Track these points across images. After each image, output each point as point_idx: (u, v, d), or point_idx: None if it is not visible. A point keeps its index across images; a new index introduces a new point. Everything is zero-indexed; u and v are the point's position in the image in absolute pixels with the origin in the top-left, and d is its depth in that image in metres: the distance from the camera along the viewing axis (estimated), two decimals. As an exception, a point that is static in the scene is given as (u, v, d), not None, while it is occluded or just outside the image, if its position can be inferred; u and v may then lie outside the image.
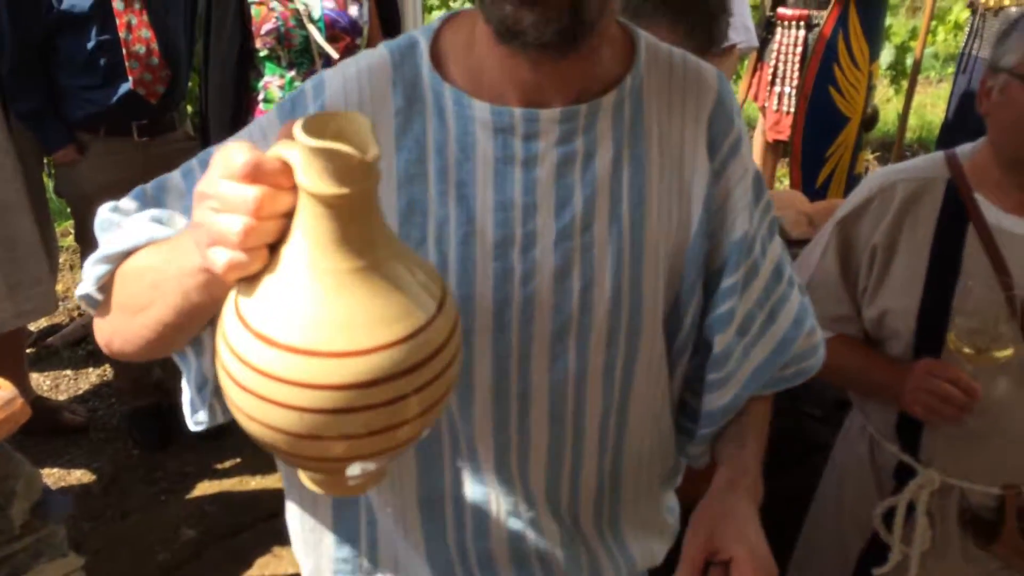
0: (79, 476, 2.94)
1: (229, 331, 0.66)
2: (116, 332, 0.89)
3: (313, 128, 0.61)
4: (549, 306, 0.93)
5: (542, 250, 0.92)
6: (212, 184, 0.65)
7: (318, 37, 2.51)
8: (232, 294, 0.68)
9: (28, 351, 3.34)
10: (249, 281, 0.66)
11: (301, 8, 2.50)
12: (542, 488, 1.00)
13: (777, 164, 4.45)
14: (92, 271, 0.89)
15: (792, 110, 4.01)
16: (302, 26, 2.50)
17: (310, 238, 0.64)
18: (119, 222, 0.92)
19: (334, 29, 2.54)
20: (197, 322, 0.82)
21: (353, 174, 0.61)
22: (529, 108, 0.90)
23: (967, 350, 1.39)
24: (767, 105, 4.29)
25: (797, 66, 4.01)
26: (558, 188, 0.92)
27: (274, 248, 0.65)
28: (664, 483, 1.14)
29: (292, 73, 2.57)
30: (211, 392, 0.95)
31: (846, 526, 1.69)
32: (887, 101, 5.80)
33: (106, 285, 0.89)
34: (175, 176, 0.97)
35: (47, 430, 3.03)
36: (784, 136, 4.11)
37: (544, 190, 0.92)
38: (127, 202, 0.95)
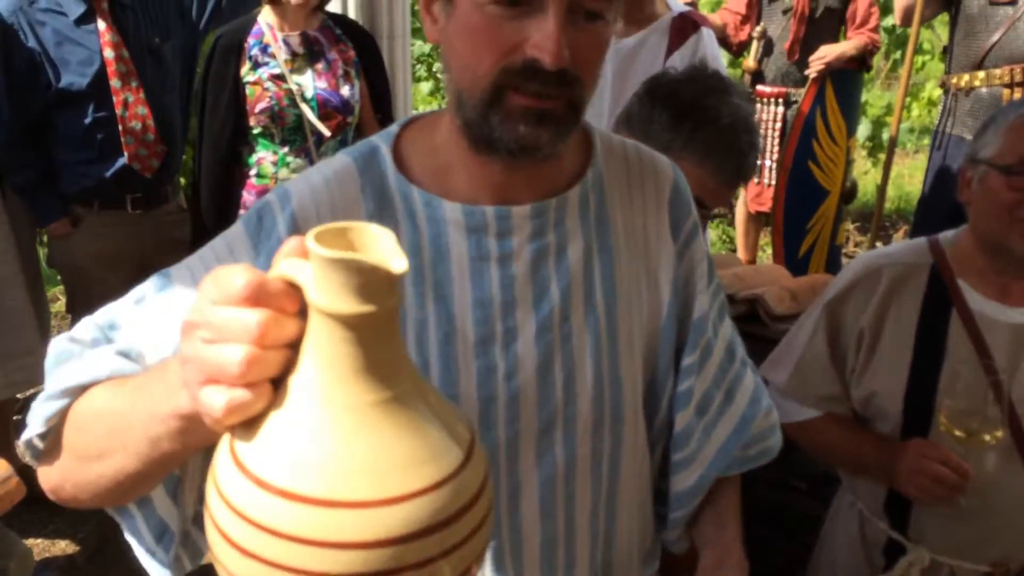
0: (63, 547, 2.90)
1: (224, 482, 0.56)
2: (67, 478, 0.80)
3: (326, 241, 0.55)
4: (534, 401, 0.94)
5: (523, 345, 0.93)
6: (203, 311, 0.58)
7: (311, 116, 2.57)
8: (226, 438, 0.58)
9: (14, 418, 3.31)
10: (249, 422, 0.57)
11: (294, 88, 2.57)
12: None
13: (760, 234, 4.54)
14: (42, 410, 0.80)
15: (773, 183, 4.11)
16: (295, 105, 2.57)
17: (325, 366, 0.55)
18: (78, 354, 0.83)
19: (326, 108, 2.60)
20: (165, 472, 0.75)
21: (378, 289, 0.54)
22: (500, 206, 0.92)
23: (958, 432, 1.43)
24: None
25: (777, 141, 4.13)
26: (534, 283, 0.94)
27: (276, 383, 0.57)
28: (645, 568, 1.15)
29: (285, 150, 2.62)
30: (177, 541, 0.84)
31: None
32: (865, 173, 5.93)
33: (55, 427, 0.80)
34: (124, 307, 0.88)
35: (31, 499, 2.98)
36: (766, 208, 4.21)
37: (521, 285, 0.93)
38: (83, 331, 0.87)
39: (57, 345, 0.85)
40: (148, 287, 0.89)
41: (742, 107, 1.48)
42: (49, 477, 0.81)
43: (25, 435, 0.81)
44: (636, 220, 1.01)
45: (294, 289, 0.57)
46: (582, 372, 0.95)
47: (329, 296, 0.54)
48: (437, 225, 0.92)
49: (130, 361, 0.80)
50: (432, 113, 0.99)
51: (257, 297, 0.56)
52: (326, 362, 0.56)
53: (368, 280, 0.53)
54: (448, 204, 0.92)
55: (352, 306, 0.54)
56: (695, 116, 1.44)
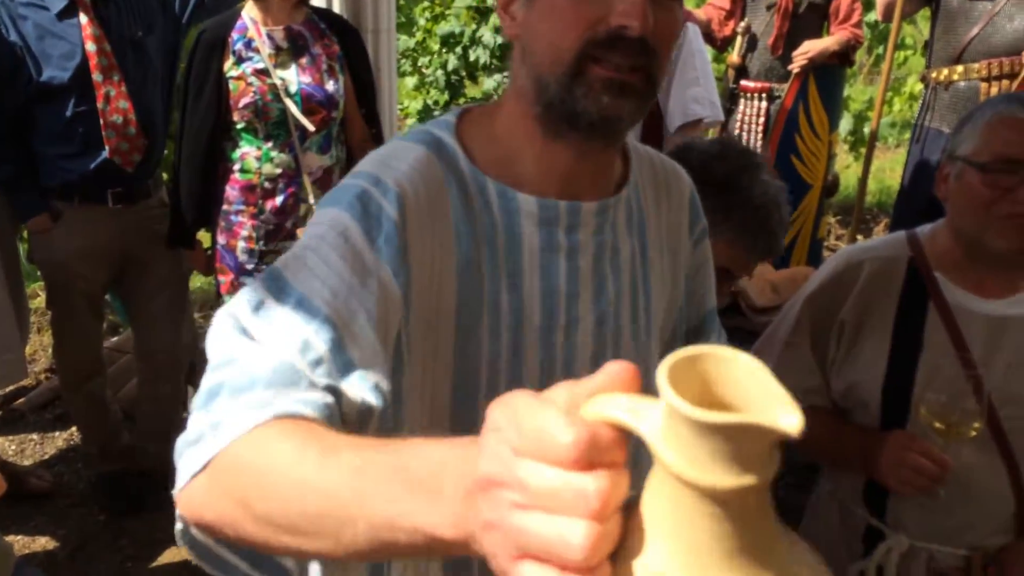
0: (44, 543, 2.88)
1: None
2: (226, 523, 0.69)
3: (678, 375, 0.44)
4: None
5: (582, 334, 0.99)
6: (509, 467, 0.48)
7: (295, 111, 2.57)
8: None
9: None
10: None
11: (278, 83, 2.56)
12: None
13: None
14: (198, 454, 0.70)
15: (756, 178, 4.14)
16: (279, 100, 2.56)
17: (684, 550, 0.44)
18: (250, 354, 0.76)
19: (310, 103, 2.60)
20: (369, 561, 0.70)
21: (760, 454, 0.43)
22: (571, 201, 0.97)
23: (938, 425, 1.45)
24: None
25: (760, 136, 4.14)
26: (595, 277, 1.00)
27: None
28: None
29: (269, 145, 2.62)
30: None
31: None
32: (847, 167, 5.97)
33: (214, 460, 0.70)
34: (248, 319, 0.80)
35: (12, 495, 2.97)
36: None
37: (585, 278, 0.99)
38: (257, 322, 0.79)
39: (222, 324, 0.80)
40: (262, 292, 0.82)
41: (772, 185, 1.52)
42: (193, 504, 0.72)
43: (198, 452, 0.71)
44: (662, 217, 1.10)
45: (623, 435, 0.46)
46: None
47: (698, 465, 0.43)
48: (510, 216, 0.95)
49: (319, 394, 0.74)
50: (484, 105, 1.04)
51: (591, 457, 0.46)
52: (685, 544, 0.44)
53: (751, 445, 0.42)
54: (522, 196, 0.95)
55: (730, 478, 0.42)
56: (728, 197, 1.48)
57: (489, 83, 5.81)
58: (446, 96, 5.85)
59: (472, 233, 0.94)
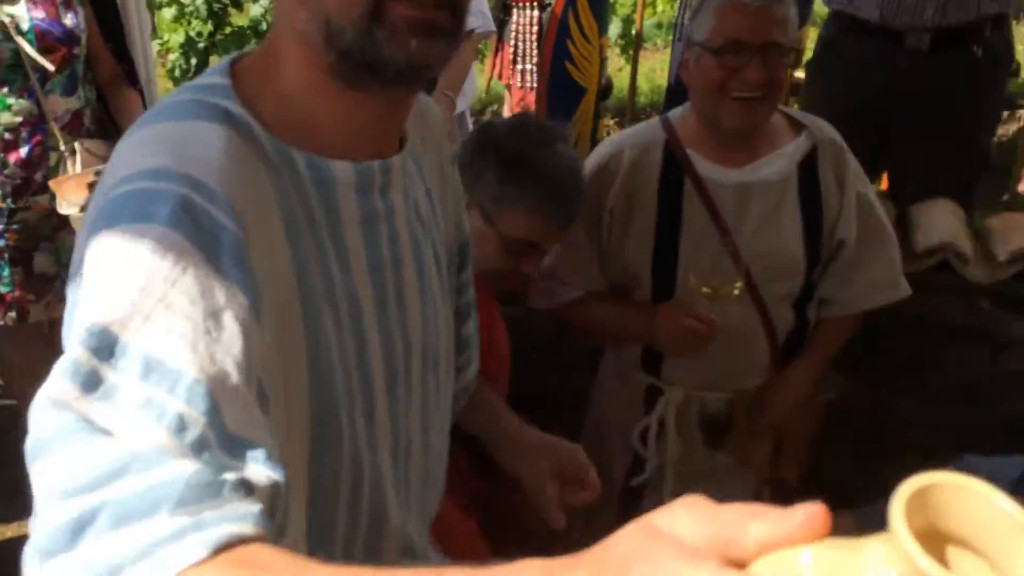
0: None
1: None
2: None
3: (913, 514, 0.37)
4: (420, 352, 0.96)
5: (411, 297, 0.94)
6: None
7: (29, 50, 2.33)
8: None
9: None
10: None
11: (6, 20, 2.31)
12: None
13: (528, 138, 4.66)
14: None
15: (535, 86, 4.23)
16: (10, 39, 2.31)
17: None
18: (117, 457, 0.57)
19: (47, 40, 2.36)
20: None
21: None
22: (381, 160, 0.88)
23: (705, 289, 1.62)
24: (512, 83, 4.48)
25: (535, 44, 4.23)
26: (412, 238, 0.94)
27: None
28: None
29: (4, 91, 2.37)
30: None
31: (610, 455, 1.90)
32: (619, 70, 6.21)
33: None
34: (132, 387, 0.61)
35: None
36: (531, 111, 4.33)
37: (404, 242, 0.92)
38: (100, 407, 0.60)
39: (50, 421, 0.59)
40: (89, 362, 0.62)
41: (565, 155, 1.57)
42: None
43: None
44: (432, 155, 1.04)
45: None
46: (443, 314, 1.02)
47: None
48: (327, 188, 0.84)
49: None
50: (253, 53, 0.90)
51: None
52: None
53: None
54: (336, 164, 0.84)
55: None
56: (521, 170, 1.51)
57: (256, 9, 5.51)
58: (209, 27, 5.49)
59: (295, 219, 0.82)
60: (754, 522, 0.40)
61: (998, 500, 0.37)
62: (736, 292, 1.62)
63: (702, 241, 1.66)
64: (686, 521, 0.42)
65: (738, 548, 0.39)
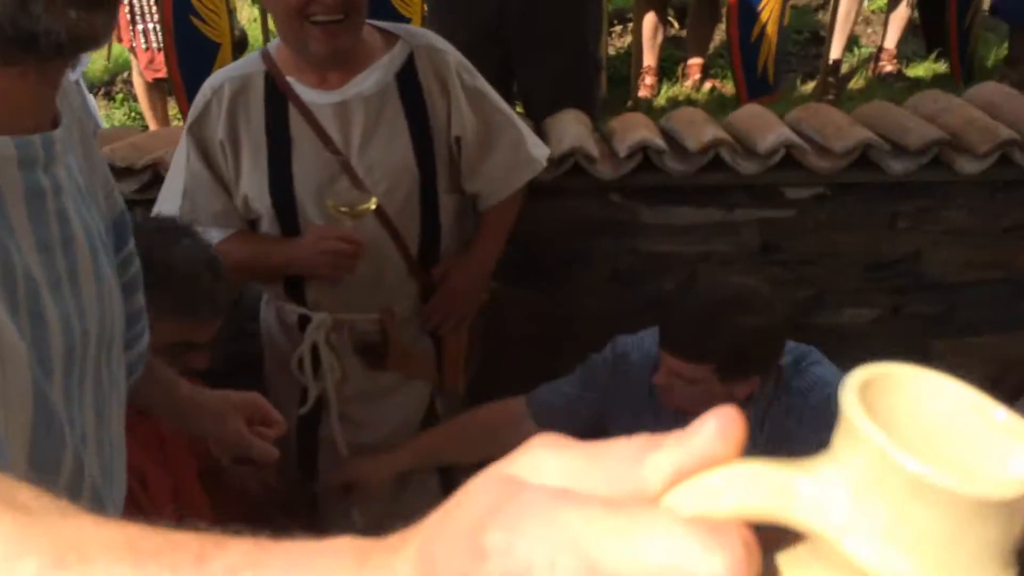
0: None
1: None
2: None
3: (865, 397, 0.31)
4: (96, 340, 0.91)
5: (85, 279, 0.87)
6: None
7: None
8: None
9: None
10: None
11: None
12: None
13: (166, 102, 4.37)
14: None
15: (161, 46, 3.93)
16: None
17: None
18: None
19: None
20: None
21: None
22: (43, 133, 0.80)
23: (343, 209, 1.62)
24: (136, 45, 4.13)
25: (152, 0, 3.92)
26: (80, 216, 0.88)
27: None
28: None
29: None
30: None
31: (283, 389, 1.90)
32: (254, 20, 5.93)
33: None
34: None
35: None
36: (163, 73, 4.04)
37: (74, 220, 0.86)
38: None
39: None
40: None
41: (193, 246, 1.50)
42: None
43: None
44: (76, 133, 0.96)
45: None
46: (114, 295, 0.96)
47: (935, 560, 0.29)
48: None
49: None
50: None
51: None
52: None
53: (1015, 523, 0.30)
54: None
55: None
56: (151, 279, 1.35)
57: None
58: None
59: None
60: (650, 454, 0.32)
61: (951, 384, 0.33)
62: (373, 207, 1.64)
63: (316, 165, 1.67)
64: (554, 466, 0.33)
65: (638, 491, 0.32)
